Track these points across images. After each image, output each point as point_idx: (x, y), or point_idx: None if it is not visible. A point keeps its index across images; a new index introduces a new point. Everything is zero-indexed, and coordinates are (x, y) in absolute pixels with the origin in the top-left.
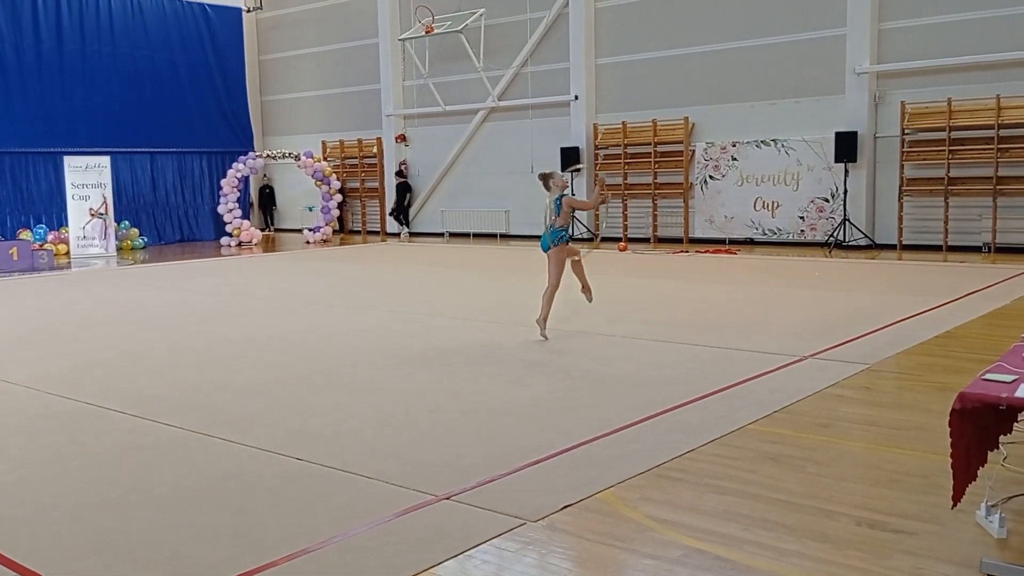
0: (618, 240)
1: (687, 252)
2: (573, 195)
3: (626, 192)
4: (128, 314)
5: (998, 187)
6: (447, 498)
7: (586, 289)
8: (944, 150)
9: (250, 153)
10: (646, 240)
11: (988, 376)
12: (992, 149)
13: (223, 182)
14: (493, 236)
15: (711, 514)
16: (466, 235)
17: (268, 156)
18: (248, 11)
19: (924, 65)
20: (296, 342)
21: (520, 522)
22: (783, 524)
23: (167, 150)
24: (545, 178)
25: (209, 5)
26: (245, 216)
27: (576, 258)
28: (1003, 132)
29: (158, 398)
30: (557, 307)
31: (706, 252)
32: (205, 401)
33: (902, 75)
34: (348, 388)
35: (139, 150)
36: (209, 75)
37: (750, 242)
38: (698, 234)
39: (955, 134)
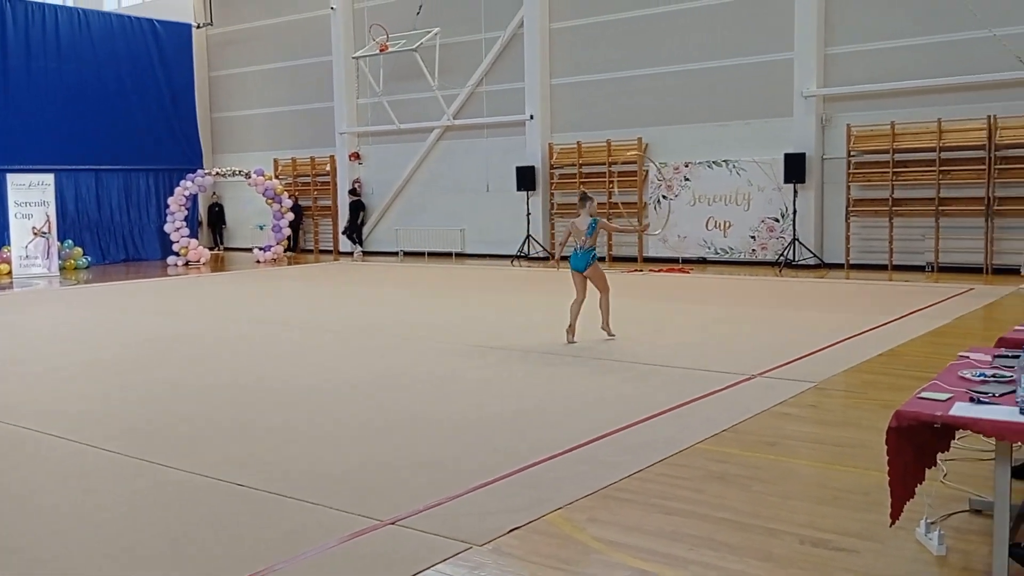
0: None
1: (641, 271)
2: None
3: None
4: (68, 335)
5: (940, 208)
6: (392, 523)
7: (605, 318)
8: (888, 172)
9: (199, 171)
10: (601, 259)
11: (924, 395)
12: (934, 171)
13: (170, 200)
14: (448, 255)
15: (657, 534)
16: (421, 254)
17: (218, 174)
18: (198, 27)
19: (868, 89)
20: (241, 365)
21: (466, 546)
22: (728, 543)
23: (113, 168)
24: (586, 200)
25: (158, 21)
26: (193, 235)
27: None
28: (944, 155)
29: (97, 423)
30: (511, 329)
31: (660, 271)
32: (144, 426)
33: (848, 99)
34: (294, 412)
35: (84, 167)
36: (157, 91)
37: (703, 261)
38: (652, 253)
39: (899, 156)
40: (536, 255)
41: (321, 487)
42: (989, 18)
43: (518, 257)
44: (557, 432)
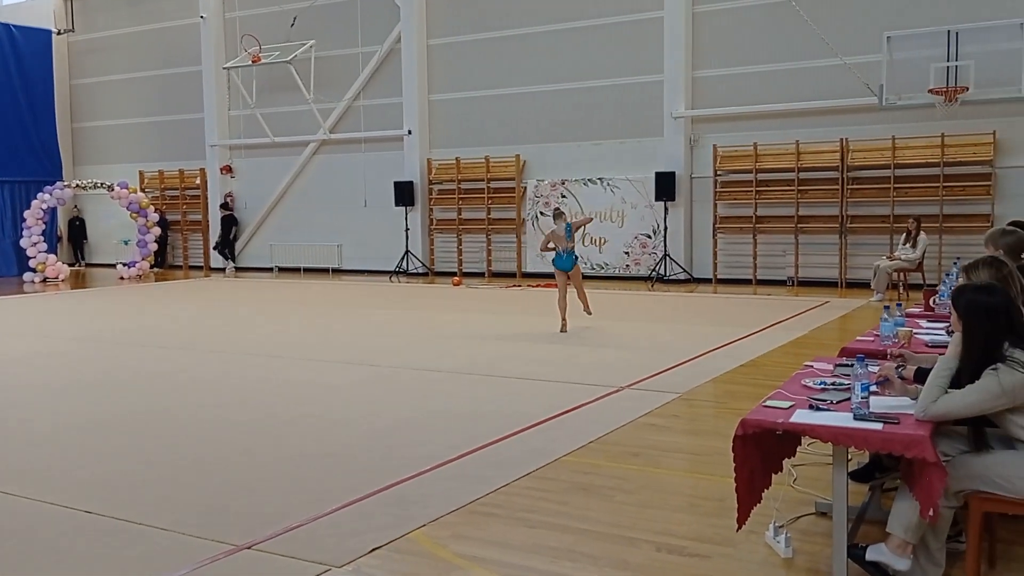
0: (452, 275)
1: (520, 286)
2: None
3: (460, 227)
4: None
5: (799, 225)
6: (248, 547)
7: (585, 304)
8: (752, 191)
9: (58, 183)
10: (480, 275)
11: (768, 403)
12: (793, 191)
13: (27, 214)
14: (325, 271)
15: (520, 548)
16: (296, 270)
17: (78, 186)
18: (59, 33)
19: (733, 112)
20: (97, 385)
21: (325, 568)
22: (588, 554)
23: None
24: (560, 215)
25: (15, 26)
26: (52, 250)
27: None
28: (802, 175)
29: None
30: (384, 345)
31: (538, 286)
32: None
33: (714, 120)
34: (149, 434)
35: None
36: (13, 99)
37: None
38: (530, 269)
39: (761, 176)
40: (415, 271)
41: (174, 512)
42: (841, 47)
43: (397, 273)
44: (426, 448)
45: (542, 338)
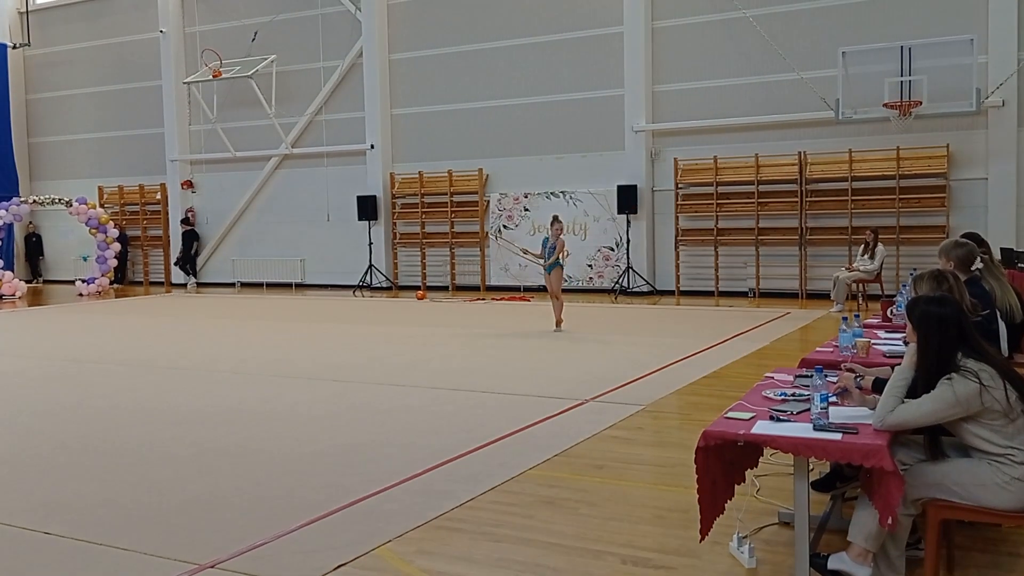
0: (417, 288)
1: (484, 300)
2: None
3: (424, 241)
4: None
5: (759, 237)
6: (211, 566)
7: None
8: (713, 203)
9: (14, 199)
10: (444, 288)
11: (730, 414)
12: (753, 203)
13: None
14: (288, 285)
15: (485, 563)
16: (259, 285)
17: (35, 202)
18: (14, 47)
19: (693, 125)
20: (56, 405)
21: None
22: (553, 568)
23: None
24: (559, 220)
25: None
26: (8, 267)
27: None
28: (762, 188)
29: None
30: (347, 361)
31: (502, 299)
32: None
33: (674, 134)
34: (110, 453)
35: None
36: None
37: (543, 289)
38: (494, 282)
39: (721, 189)
40: (379, 285)
41: (134, 531)
42: (798, 63)
43: (360, 287)
44: (391, 464)
45: (506, 351)
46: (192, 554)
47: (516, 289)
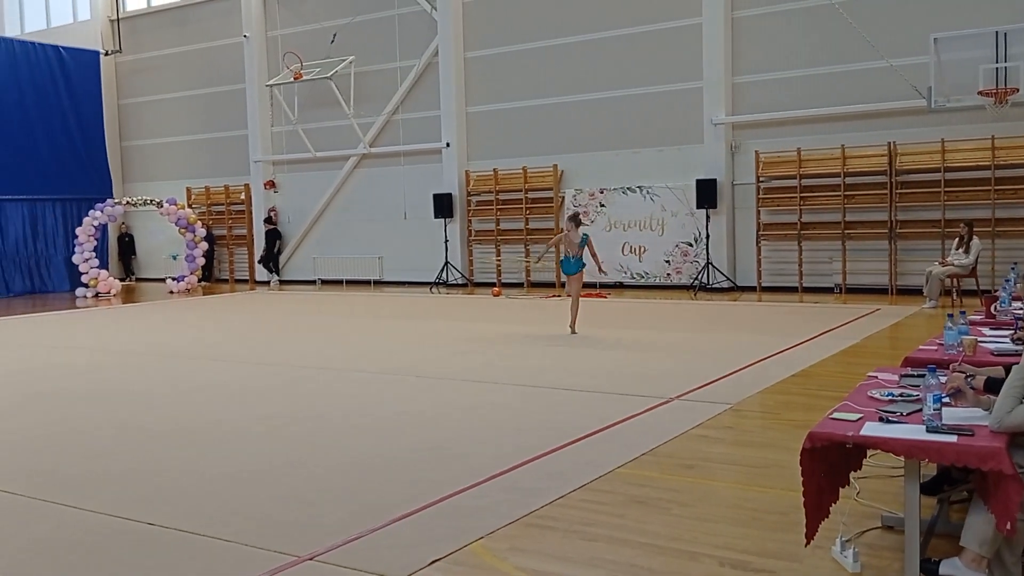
0: (492, 285)
1: (559, 296)
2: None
3: (499, 238)
4: None
5: (846, 231)
6: (310, 559)
7: (573, 318)
8: (796, 196)
9: (108, 200)
10: (519, 285)
11: (835, 415)
12: (839, 196)
13: (79, 230)
14: (367, 283)
15: (579, 561)
16: (339, 282)
17: (128, 203)
18: (106, 54)
19: (775, 117)
20: (153, 398)
21: None
22: (649, 568)
23: (17, 198)
24: (577, 219)
25: (64, 48)
26: (103, 266)
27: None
28: (848, 180)
29: None
30: (429, 356)
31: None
32: (48, 465)
33: (755, 126)
34: (207, 446)
35: None
36: (64, 120)
37: (620, 286)
38: None
39: (805, 182)
40: (455, 282)
41: (234, 523)
42: (886, 49)
43: (437, 284)
44: (478, 460)
45: (585, 348)
46: (291, 546)
47: (592, 286)
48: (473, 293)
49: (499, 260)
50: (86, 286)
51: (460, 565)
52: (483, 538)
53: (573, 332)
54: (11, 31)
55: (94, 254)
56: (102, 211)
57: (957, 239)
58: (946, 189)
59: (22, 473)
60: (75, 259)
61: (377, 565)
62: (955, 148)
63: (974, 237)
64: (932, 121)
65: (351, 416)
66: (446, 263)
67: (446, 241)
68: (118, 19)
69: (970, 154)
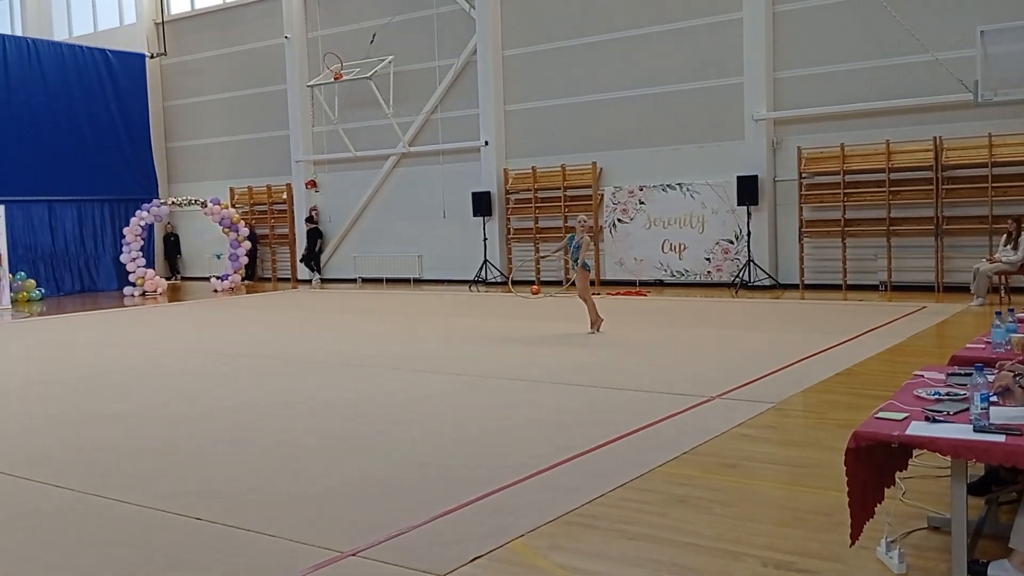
0: (531, 283)
1: (598, 294)
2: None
3: (538, 236)
4: (21, 368)
5: (891, 228)
6: (353, 554)
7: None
8: (839, 193)
9: (154, 200)
10: (558, 283)
11: (881, 414)
12: (884, 192)
13: (126, 230)
14: (407, 281)
15: (620, 560)
16: (379, 280)
17: (173, 203)
18: (152, 57)
19: (817, 112)
20: (200, 396)
21: None
22: (691, 568)
23: (66, 198)
24: (578, 221)
25: (111, 51)
26: (150, 265)
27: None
28: (893, 176)
29: (47, 458)
30: (468, 354)
31: (617, 294)
32: (98, 460)
33: (797, 121)
34: (252, 443)
35: (36, 199)
36: (111, 121)
37: (659, 283)
38: (609, 276)
39: (849, 178)
40: (493, 280)
41: (278, 518)
42: (931, 43)
43: (476, 282)
44: (518, 458)
45: (624, 346)
46: (334, 542)
47: (631, 283)
48: (512, 291)
49: (539, 258)
50: (133, 285)
51: (501, 562)
52: (524, 536)
53: (594, 332)
54: (60, 35)
55: (141, 253)
56: (148, 211)
57: (1005, 235)
58: (993, 184)
59: (72, 469)
60: (123, 258)
61: (419, 561)
62: (1002, 143)
63: (1023, 233)
64: (979, 115)
65: (389, 413)
66: (485, 261)
67: (484, 239)
68: (163, 22)
69: (1018, 148)
